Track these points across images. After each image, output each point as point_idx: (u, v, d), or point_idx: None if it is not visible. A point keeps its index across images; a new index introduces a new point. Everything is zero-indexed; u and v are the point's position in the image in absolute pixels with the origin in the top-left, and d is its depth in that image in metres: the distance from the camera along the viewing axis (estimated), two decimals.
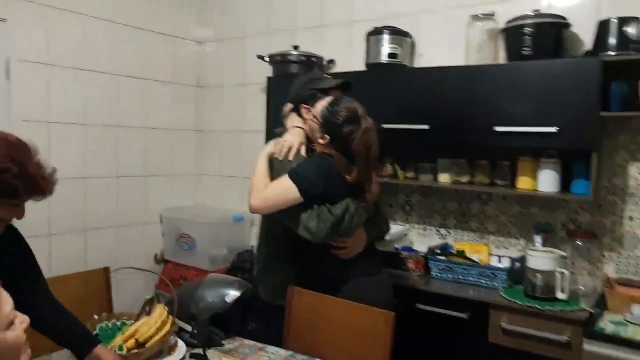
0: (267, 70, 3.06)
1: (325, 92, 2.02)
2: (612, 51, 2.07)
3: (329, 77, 2.14)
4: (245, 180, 3.46)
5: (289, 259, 2.03)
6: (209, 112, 3.64)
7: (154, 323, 1.64)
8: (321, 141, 1.90)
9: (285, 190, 1.82)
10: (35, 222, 2.74)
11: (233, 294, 1.87)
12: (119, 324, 1.76)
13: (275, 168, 1.93)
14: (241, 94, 3.47)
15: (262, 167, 1.94)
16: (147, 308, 1.75)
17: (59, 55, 2.81)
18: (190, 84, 3.60)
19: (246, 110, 3.44)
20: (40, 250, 2.75)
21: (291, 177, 1.81)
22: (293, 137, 1.96)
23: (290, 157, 1.92)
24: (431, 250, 2.49)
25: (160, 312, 1.69)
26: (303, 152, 1.96)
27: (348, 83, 2.06)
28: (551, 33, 2.20)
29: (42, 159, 1.34)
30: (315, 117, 1.91)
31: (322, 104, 1.91)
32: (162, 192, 3.44)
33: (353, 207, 1.85)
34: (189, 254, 3.22)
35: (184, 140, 3.58)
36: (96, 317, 1.72)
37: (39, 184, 1.30)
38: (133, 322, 1.73)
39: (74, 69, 2.89)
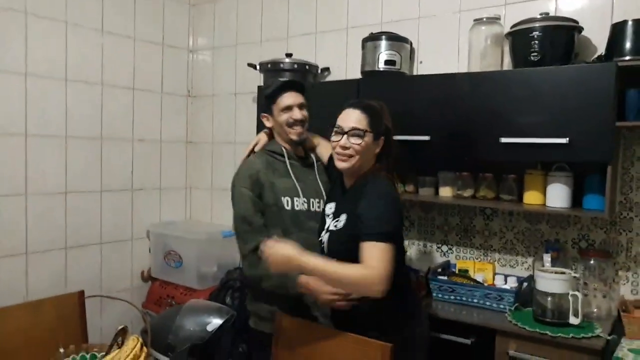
0: (259, 79, 2.92)
1: (275, 98, 1.94)
2: (628, 55, 1.92)
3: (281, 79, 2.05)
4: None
5: None
6: (200, 122, 3.50)
7: (125, 356, 1.47)
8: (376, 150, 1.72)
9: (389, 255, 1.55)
10: (11, 239, 2.60)
11: (215, 322, 1.72)
12: (87, 356, 1.59)
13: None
14: (233, 104, 3.32)
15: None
16: (118, 339, 1.59)
17: (38, 64, 2.67)
18: (180, 94, 3.46)
19: (238, 121, 3.30)
20: (16, 270, 2.64)
21: (381, 239, 1.55)
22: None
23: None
24: (432, 270, 2.32)
25: (132, 343, 1.51)
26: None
27: (295, 82, 1.97)
28: (561, 37, 2.05)
29: None
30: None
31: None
32: (150, 206, 3.29)
33: None
34: (177, 272, 3.06)
35: (174, 152, 3.43)
36: (62, 350, 1.56)
37: None
38: (104, 354, 1.57)
39: (55, 78, 2.75)
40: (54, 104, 2.75)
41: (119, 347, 1.55)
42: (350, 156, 1.68)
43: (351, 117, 1.69)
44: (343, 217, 1.70)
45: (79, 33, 2.83)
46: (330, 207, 1.81)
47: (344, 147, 1.68)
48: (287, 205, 1.90)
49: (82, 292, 2.01)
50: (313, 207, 1.95)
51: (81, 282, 2.77)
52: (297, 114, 1.93)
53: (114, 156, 3.05)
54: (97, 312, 2.83)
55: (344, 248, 1.64)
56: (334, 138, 1.71)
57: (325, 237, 1.75)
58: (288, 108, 1.93)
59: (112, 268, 3.07)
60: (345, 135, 1.67)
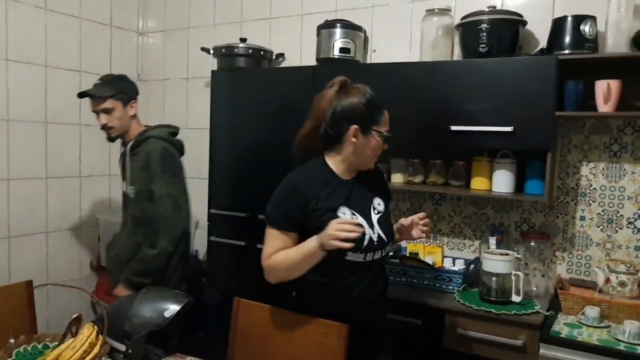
0: (213, 64, 2.88)
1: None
2: (567, 49, 2.04)
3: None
4: (189, 180, 3.26)
5: None
6: (151, 107, 3.40)
7: (80, 345, 1.45)
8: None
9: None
10: None
11: (172, 308, 1.71)
12: (39, 347, 1.55)
13: None
14: (185, 89, 3.26)
15: None
16: (73, 328, 1.56)
17: None
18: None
19: (190, 106, 3.24)
20: None
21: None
22: None
23: None
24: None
25: (87, 332, 1.49)
26: None
27: (85, 93, 2.20)
28: (507, 30, 2.15)
29: None
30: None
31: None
32: (99, 193, 3.20)
33: None
34: None
35: None
36: (12, 340, 1.51)
37: None
38: (57, 344, 1.53)
39: None
40: None
41: (73, 336, 1.52)
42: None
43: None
44: (377, 201, 1.71)
45: (20, 9, 2.70)
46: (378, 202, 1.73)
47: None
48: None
49: (30, 282, 1.94)
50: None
51: (26, 272, 2.67)
52: (102, 119, 2.20)
53: (60, 141, 2.93)
54: (43, 302, 2.74)
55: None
56: (382, 143, 1.66)
57: (377, 226, 1.67)
58: (96, 113, 2.21)
59: (60, 258, 2.97)
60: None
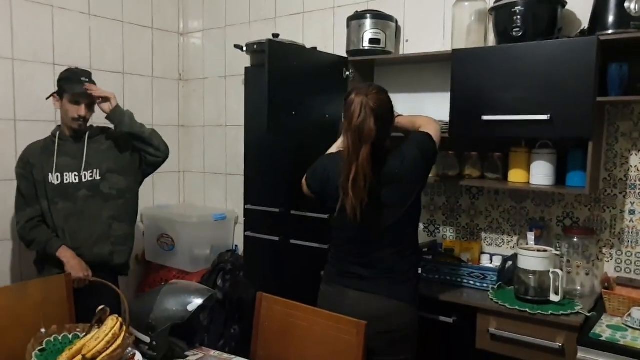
0: (247, 61, 2.90)
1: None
2: (611, 29, 1.88)
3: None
4: (227, 176, 3.32)
5: None
6: (191, 106, 3.50)
7: (104, 336, 1.50)
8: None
9: None
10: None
11: (195, 302, 1.73)
12: (70, 336, 1.62)
13: None
14: (223, 87, 3.32)
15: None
16: (99, 319, 1.62)
17: (25, 49, 2.68)
18: (172, 77, 3.46)
19: (227, 104, 3.29)
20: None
21: None
22: None
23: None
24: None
25: (111, 323, 1.54)
26: None
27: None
28: (544, 11, 2.01)
29: None
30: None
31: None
32: (144, 190, 3.29)
33: None
34: (170, 255, 3.09)
35: (166, 136, 3.32)
36: (43, 330, 1.58)
37: None
38: (86, 334, 1.59)
39: (42, 63, 2.75)
40: (42, 89, 2.75)
41: (99, 327, 1.58)
42: None
43: None
44: None
45: (65, 15, 2.83)
46: None
47: None
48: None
49: (69, 274, 2.04)
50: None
51: None
52: (83, 111, 2.30)
53: None
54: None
55: None
56: None
57: None
58: (76, 104, 2.29)
59: None
60: None
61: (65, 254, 2.23)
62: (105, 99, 2.33)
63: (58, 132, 2.36)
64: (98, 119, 2.41)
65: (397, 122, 1.97)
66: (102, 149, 2.38)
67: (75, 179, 2.31)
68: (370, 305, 1.74)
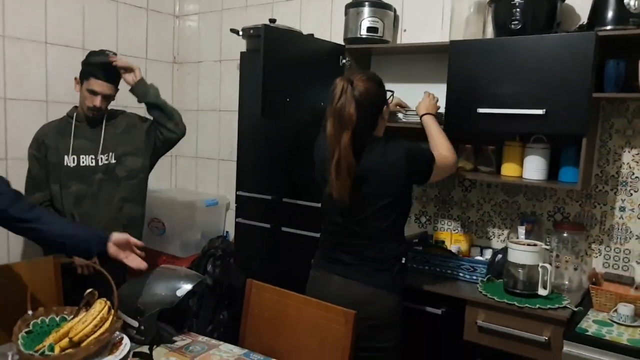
0: (243, 45, 2.87)
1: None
2: (609, 25, 1.87)
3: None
4: (220, 162, 3.30)
5: None
6: (185, 89, 3.46)
7: (91, 319, 1.49)
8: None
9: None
10: None
11: (185, 287, 1.73)
12: (57, 319, 1.61)
13: None
14: (217, 71, 3.28)
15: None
16: (87, 302, 1.61)
17: (17, 27, 2.63)
18: (166, 60, 3.41)
19: (222, 88, 3.26)
20: None
21: None
22: None
23: None
24: (407, 240, 2.32)
25: (99, 307, 1.53)
26: None
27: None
28: (543, 5, 2.00)
29: None
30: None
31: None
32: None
33: None
34: (160, 239, 3.08)
35: None
36: (30, 312, 1.57)
37: None
38: (74, 317, 1.58)
39: (34, 41, 2.70)
40: (33, 68, 2.71)
41: (87, 311, 1.57)
42: None
43: None
44: None
45: None
46: None
47: None
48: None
49: (56, 256, 2.02)
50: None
51: None
52: (99, 102, 2.26)
53: None
54: None
55: None
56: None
57: None
58: (92, 94, 2.25)
59: None
60: None
61: None
62: (129, 69, 2.31)
63: (75, 114, 2.33)
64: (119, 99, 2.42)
65: (424, 121, 2.01)
66: (117, 132, 2.37)
67: (92, 162, 2.30)
68: (352, 292, 1.75)
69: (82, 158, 2.29)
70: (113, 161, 2.33)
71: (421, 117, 2.05)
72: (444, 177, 2.03)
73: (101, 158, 2.31)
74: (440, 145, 1.90)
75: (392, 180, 1.73)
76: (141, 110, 2.55)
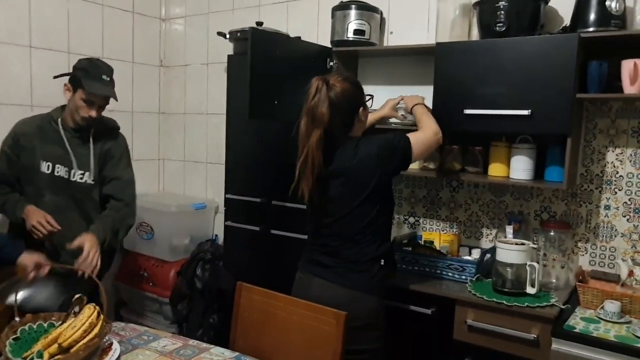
0: (230, 48, 2.87)
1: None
2: (592, 27, 1.91)
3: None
4: (208, 165, 3.29)
5: None
6: (172, 93, 3.45)
7: (80, 325, 1.48)
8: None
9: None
10: None
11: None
12: (45, 325, 1.59)
13: None
14: (204, 74, 3.28)
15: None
16: (75, 308, 1.59)
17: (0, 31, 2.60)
18: (152, 64, 3.40)
19: (209, 91, 3.25)
20: None
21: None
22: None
23: None
24: (397, 241, 2.34)
25: (88, 312, 1.52)
26: None
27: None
28: (527, 7, 2.03)
29: None
30: None
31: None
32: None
33: None
34: (148, 244, 3.06)
35: (146, 123, 3.38)
36: (17, 319, 1.55)
37: None
38: (62, 323, 1.57)
39: (18, 45, 2.68)
40: (17, 72, 2.68)
41: (75, 316, 1.55)
42: None
43: None
44: None
45: None
46: None
47: None
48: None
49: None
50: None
51: None
52: (95, 113, 2.17)
53: None
54: None
55: None
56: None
57: None
58: (89, 104, 2.15)
59: None
60: None
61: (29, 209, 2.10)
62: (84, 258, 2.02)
63: (60, 120, 2.20)
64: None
65: (414, 111, 2.04)
66: (103, 153, 2.27)
67: (66, 175, 2.20)
68: (330, 294, 1.75)
69: (58, 168, 2.19)
70: (90, 181, 2.23)
71: (411, 110, 2.06)
72: (430, 153, 2.05)
73: (79, 174, 2.21)
74: (426, 126, 1.90)
75: (365, 177, 1.72)
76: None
